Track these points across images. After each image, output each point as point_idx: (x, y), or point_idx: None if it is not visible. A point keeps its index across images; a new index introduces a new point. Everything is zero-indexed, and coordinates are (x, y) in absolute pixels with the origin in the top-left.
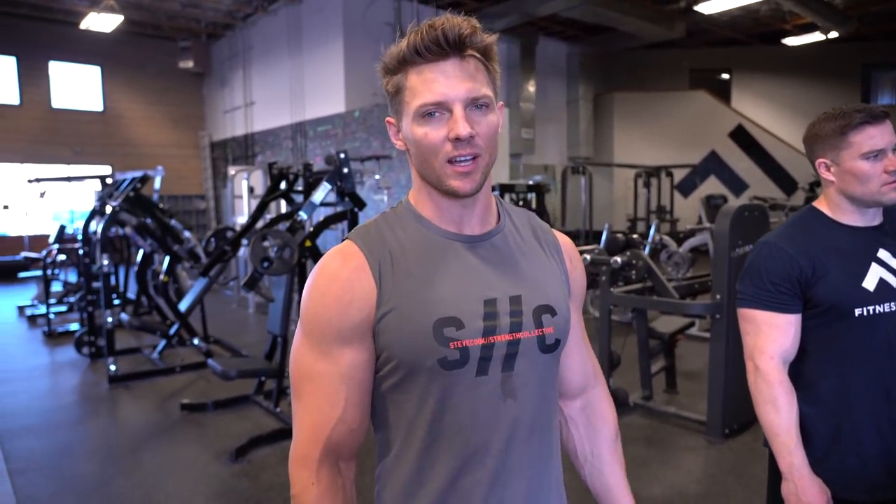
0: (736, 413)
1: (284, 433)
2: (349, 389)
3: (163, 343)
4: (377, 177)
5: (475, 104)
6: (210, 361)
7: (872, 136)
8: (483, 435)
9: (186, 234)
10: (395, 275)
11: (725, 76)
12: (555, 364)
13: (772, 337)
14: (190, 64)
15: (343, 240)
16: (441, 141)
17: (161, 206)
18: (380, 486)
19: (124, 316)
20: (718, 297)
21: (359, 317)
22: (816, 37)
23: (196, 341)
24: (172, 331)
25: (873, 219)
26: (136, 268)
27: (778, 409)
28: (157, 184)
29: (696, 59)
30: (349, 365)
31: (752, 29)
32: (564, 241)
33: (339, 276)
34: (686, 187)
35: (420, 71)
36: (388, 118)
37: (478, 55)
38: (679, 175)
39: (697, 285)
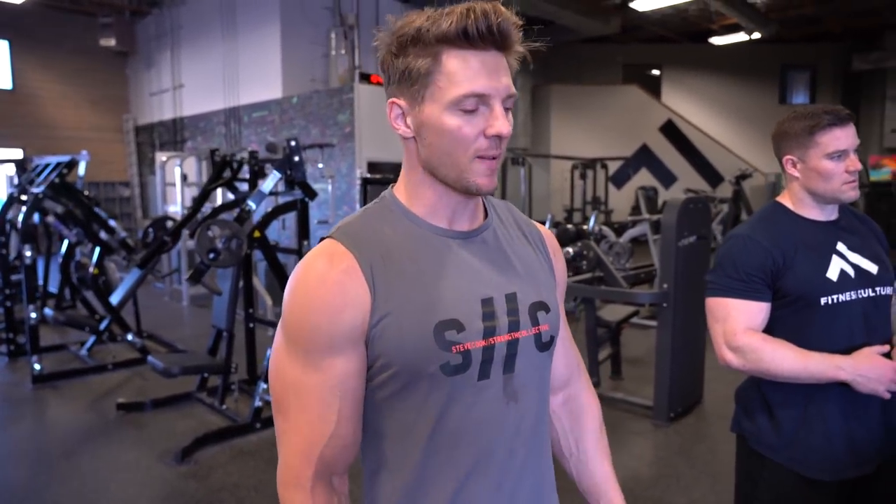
0: (681, 397)
1: (232, 431)
2: (341, 402)
3: (92, 339)
4: (320, 165)
5: (507, 105)
6: (150, 358)
7: (838, 138)
8: (487, 441)
9: (112, 223)
10: (388, 276)
11: (656, 72)
12: (549, 362)
13: (741, 319)
14: (112, 42)
15: (321, 238)
16: (475, 136)
17: (86, 193)
18: (370, 502)
19: (48, 311)
20: (666, 286)
21: (351, 324)
22: (740, 37)
23: (130, 337)
24: (103, 326)
25: (831, 214)
26: (58, 259)
27: (784, 356)
28: (81, 170)
29: (629, 54)
30: (340, 375)
31: (681, 27)
32: (546, 232)
33: (328, 280)
34: (619, 179)
35: (464, 56)
36: (392, 99)
37: (514, 53)
38: (613, 167)
39: (643, 274)
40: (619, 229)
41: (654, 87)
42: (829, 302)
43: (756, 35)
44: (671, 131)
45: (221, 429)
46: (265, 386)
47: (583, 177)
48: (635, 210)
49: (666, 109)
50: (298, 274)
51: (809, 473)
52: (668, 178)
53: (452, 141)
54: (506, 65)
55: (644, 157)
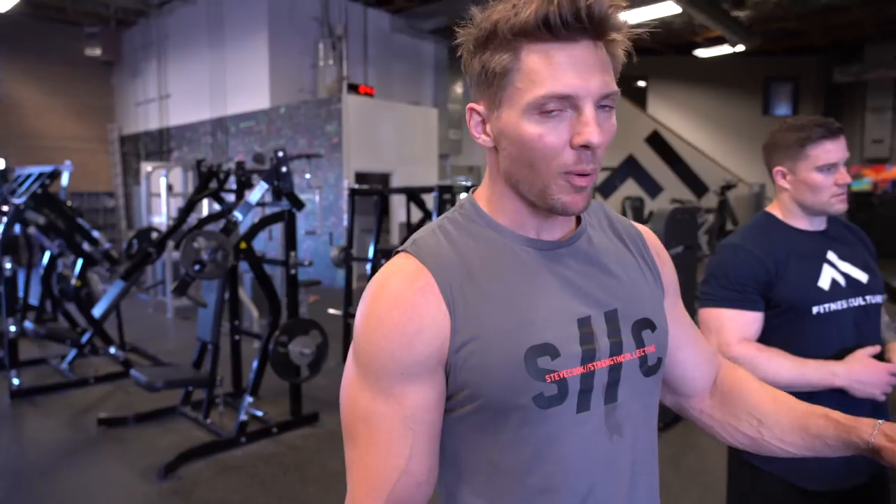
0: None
1: (217, 445)
2: (416, 435)
3: (73, 353)
4: (307, 176)
5: (604, 103)
6: (133, 372)
7: (829, 151)
8: (587, 481)
9: (96, 234)
10: (471, 295)
11: (642, 83)
12: (657, 388)
13: (736, 329)
14: (97, 52)
15: (395, 251)
16: (561, 146)
17: (68, 204)
18: None
19: (28, 324)
20: None
21: (427, 350)
22: (725, 49)
23: (112, 350)
24: (84, 339)
25: (820, 224)
26: (40, 271)
27: (780, 365)
28: (64, 180)
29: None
30: (415, 406)
31: (666, 39)
32: (648, 233)
33: (402, 301)
34: (607, 189)
35: (546, 51)
36: (471, 104)
37: (616, 39)
38: (600, 177)
39: None
40: None
41: (640, 99)
42: (821, 311)
43: (740, 48)
44: (657, 142)
45: (206, 444)
46: (251, 399)
47: None
48: None
49: (652, 120)
50: (370, 292)
51: (803, 484)
52: (654, 189)
53: (532, 152)
54: (603, 57)
55: (630, 168)
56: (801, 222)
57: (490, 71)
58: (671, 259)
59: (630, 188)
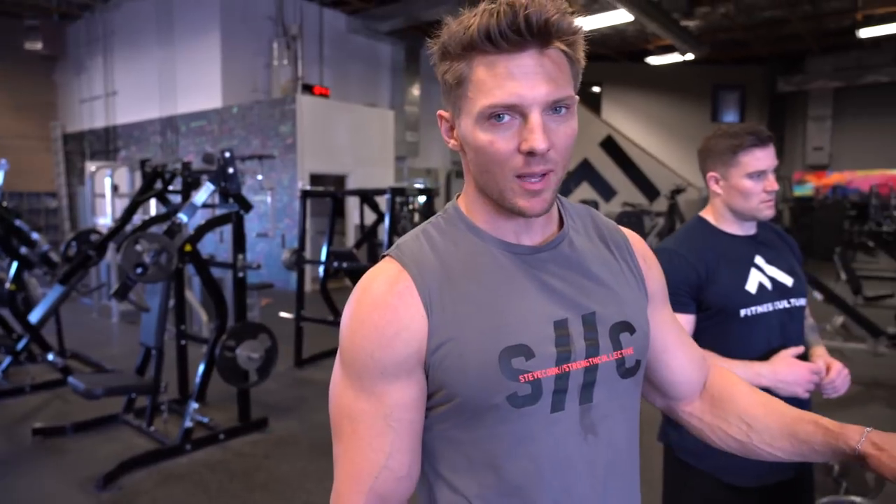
0: None
1: (160, 453)
2: (395, 432)
3: (8, 360)
4: (259, 177)
5: (554, 108)
6: (70, 379)
7: (759, 158)
8: (561, 480)
9: (35, 236)
10: (449, 298)
11: (597, 89)
12: (636, 390)
13: None
14: (38, 46)
15: (381, 256)
16: (510, 152)
17: (4, 204)
18: None
19: None
20: None
21: (405, 351)
22: (675, 58)
23: (51, 356)
24: (20, 346)
25: (750, 229)
26: None
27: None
28: None
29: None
30: (395, 404)
31: (620, 47)
32: (633, 237)
33: (381, 303)
34: (561, 192)
35: (491, 63)
36: (440, 112)
37: (563, 46)
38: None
39: None
40: None
41: (594, 104)
42: (749, 314)
43: (689, 56)
44: (611, 147)
45: (148, 452)
46: (196, 405)
47: None
48: None
49: (606, 125)
50: (354, 296)
51: (730, 480)
52: (608, 192)
53: (486, 157)
54: (550, 65)
55: (585, 172)
56: (732, 227)
57: (449, 80)
58: (658, 265)
59: (585, 192)
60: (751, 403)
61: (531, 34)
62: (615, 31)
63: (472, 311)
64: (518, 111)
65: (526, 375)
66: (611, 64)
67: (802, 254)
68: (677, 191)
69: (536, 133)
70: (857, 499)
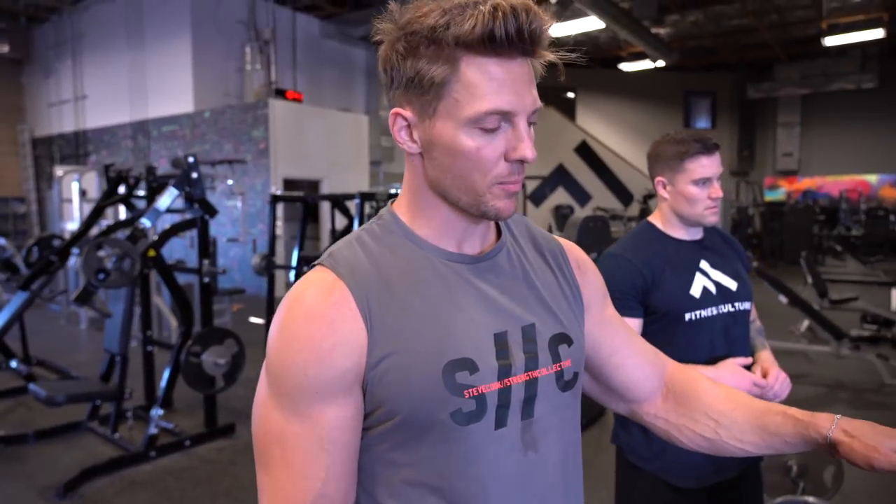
0: (586, 408)
1: (124, 461)
2: (331, 456)
3: None
4: (230, 182)
5: (532, 118)
6: (32, 386)
7: (704, 166)
8: (505, 499)
9: (1, 241)
10: (388, 309)
11: (571, 95)
12: (575, 402)
13: None
14: (5, 49)
15: (311, 265)
16: (496, 159)
17: None
18: None
19: None
20: None
21: (343, 366)
22: (647, 64)
23: (14, 363)
24: None
25: (696, 234)
26: None
27: None
28: None
29: (544, 77)
30: (330, 426)
31: (593, 53)
32: (568, 245)
33: (317, 315)
34: (537, 197)
35: (486, 66)
36: (397, 109)
37: (542, 59)
38: (531, 185)
39: None
40: None
41: (569, 110)
42: (693, 318)
43: (661, 63)
44: (585, 152)
45: (112, 459)
46: (161, 412)
47: None
48: (551, 228)
49: (580, 131)
50: (284, 307)
51: (676, 482)
52: (583, 197)
53: (468, 163)
54: (532, 73)
55: (560, 177)
56: (679, 232)
57: (427, 78)
58: (595, 269)
59: (560, 196)
60: (716, 398)
61: (532, 44)
62: (588, 38)
63: (413, 323)
64: (508, 119)
65: (470, 390)
66: (585, 70)
67: (773, 258)
68: (650, 195)
69: (527, 142)
70: (811, 499)
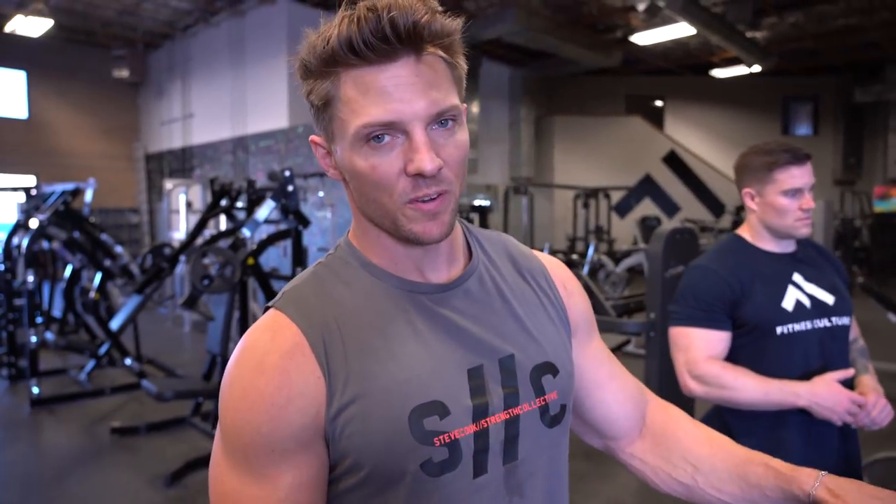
0: None
1: None
2: None
3: (91, 363)
4: (321, 194)
5: (440, 122)
6: (144, 382)
7: (794, 176)
8: None
9: (118, 249)
10: (347, 352)
11: (659, 103)
12: (564, 438)
13: (703, 348)
14: (125, 73)
15: (265, 308)
16: (395, 176)
17: (92, 220)
18: None
19: (49, 335)
20: (652, 315)
21: (300, 421)
22: (741, 70)
23: (128, 361)
24: (102, 350)
25: (788, 246)
26: (63, 284)
27: (745, 384)
28: (88, 197)
29: (631, 86)
30: (290, 486)
31: (683, 60)
32: (552, 263)
33: (268, 367)
34: (622, 208)
35: (359, 76)
36: (313, 137)
37: (440, 51)
38: (616, 196)
39: (633, 304)
40: (620, 259)
41: (656, 118)
42: (785, 331)
43: (756, 68)
44: (674, 162)
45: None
46: None
47: (585, 206)
48: (636, 241)
49: (668, 140)
50: (234, 359)
51: None
52: (671, 208)
53: (369, 185)
54: (429, 73)
55: (647, 188)
56: (769, 244)
57: (316, 101)
58: (582, 291)
59: (647, 208)
60: (695, 441)
61: (400, 40)
62: (677, 45)
63: (374, 366)
64: (399, 129)
65: (441, 437)
66: (673, 77)
67: (883, 273)
68: (742, 207)
69: (422, 153)
70: None
